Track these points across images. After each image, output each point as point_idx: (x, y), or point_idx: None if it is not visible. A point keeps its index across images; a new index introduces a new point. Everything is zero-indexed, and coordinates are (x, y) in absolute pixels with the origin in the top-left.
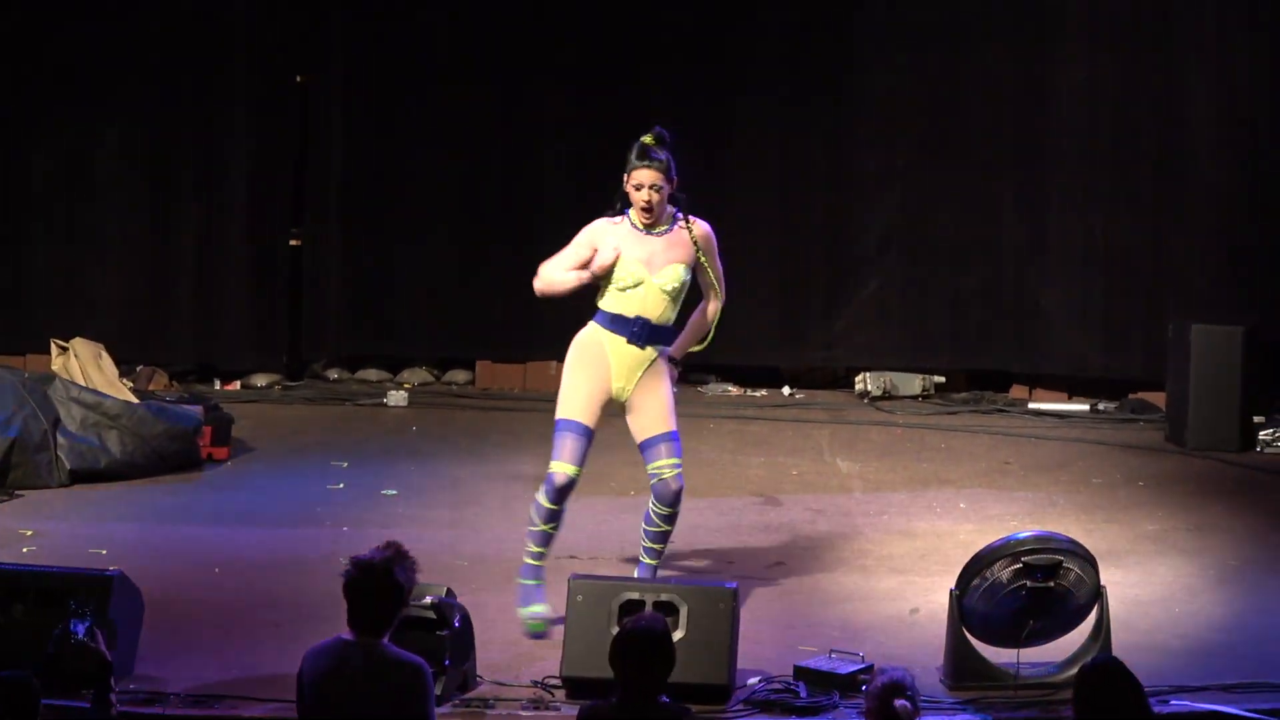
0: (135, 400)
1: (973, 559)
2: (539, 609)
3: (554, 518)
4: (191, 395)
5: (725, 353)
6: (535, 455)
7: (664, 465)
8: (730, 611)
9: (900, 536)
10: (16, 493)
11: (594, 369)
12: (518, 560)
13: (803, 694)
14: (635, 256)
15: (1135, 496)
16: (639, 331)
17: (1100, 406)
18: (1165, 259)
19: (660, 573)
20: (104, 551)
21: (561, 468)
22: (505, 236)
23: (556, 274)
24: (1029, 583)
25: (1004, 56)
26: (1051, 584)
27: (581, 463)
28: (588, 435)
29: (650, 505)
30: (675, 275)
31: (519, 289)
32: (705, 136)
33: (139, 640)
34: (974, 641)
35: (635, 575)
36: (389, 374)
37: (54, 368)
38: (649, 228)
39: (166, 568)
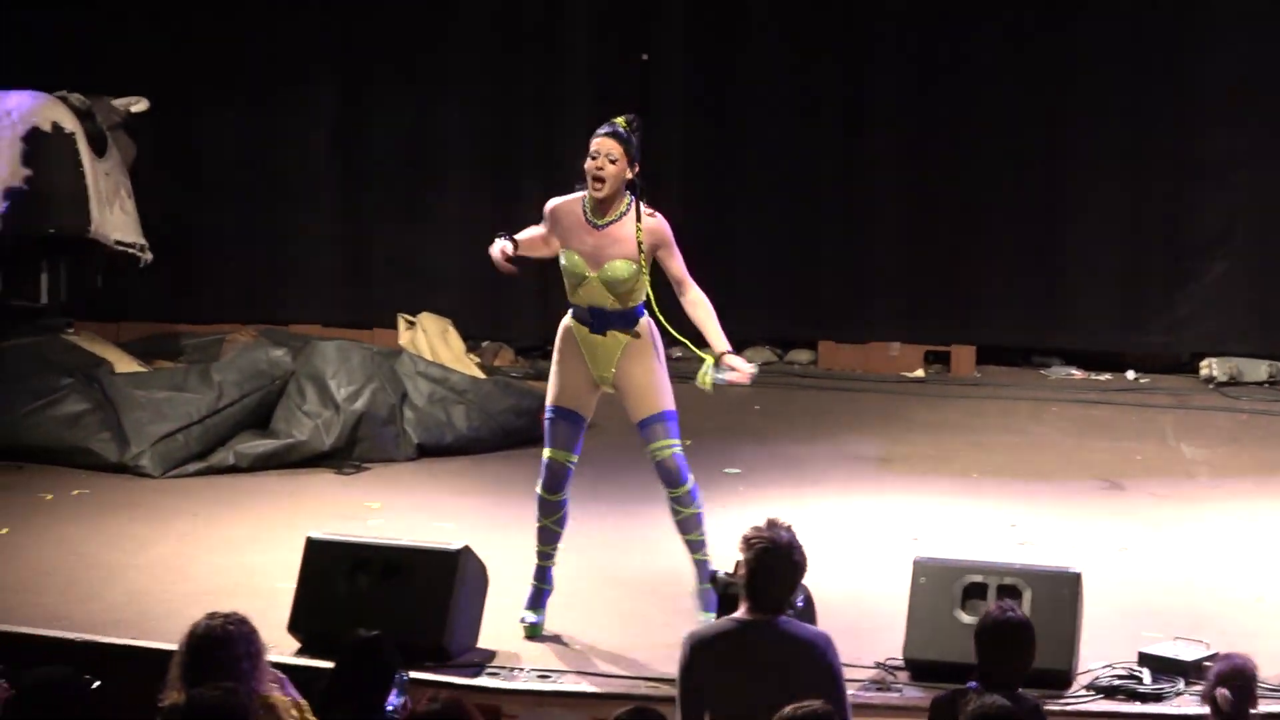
0: (481, 375)
1: None
2: (534, 614)
3: (553, 510)
4: (536, 371)
5: (1069, 336)
6: (878, 436)
7: (660, 447)
8: (1074, 596)
9: (1246, 523)
10: (364, 465)
11: (572, 357)
12: (860, 541)
13: (1146, 680)
14: (578, 250)
15: None
16: (595, 321)
17: None
18: None
19: (1003, 556)
20: (449, 525)
21: (552, 454)
22: (841, 216)
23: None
24: None
25: None
26: None
27: (573, 449)
28: (577, 421)
29: (667, 496)
30: (617, 271)
31: (857, 270)
32: (1045, 121)
33: (483, 614)
34: None
35: (694, 588)
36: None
37: (402, 342)
38: (598, 217)
39: (511, 542)
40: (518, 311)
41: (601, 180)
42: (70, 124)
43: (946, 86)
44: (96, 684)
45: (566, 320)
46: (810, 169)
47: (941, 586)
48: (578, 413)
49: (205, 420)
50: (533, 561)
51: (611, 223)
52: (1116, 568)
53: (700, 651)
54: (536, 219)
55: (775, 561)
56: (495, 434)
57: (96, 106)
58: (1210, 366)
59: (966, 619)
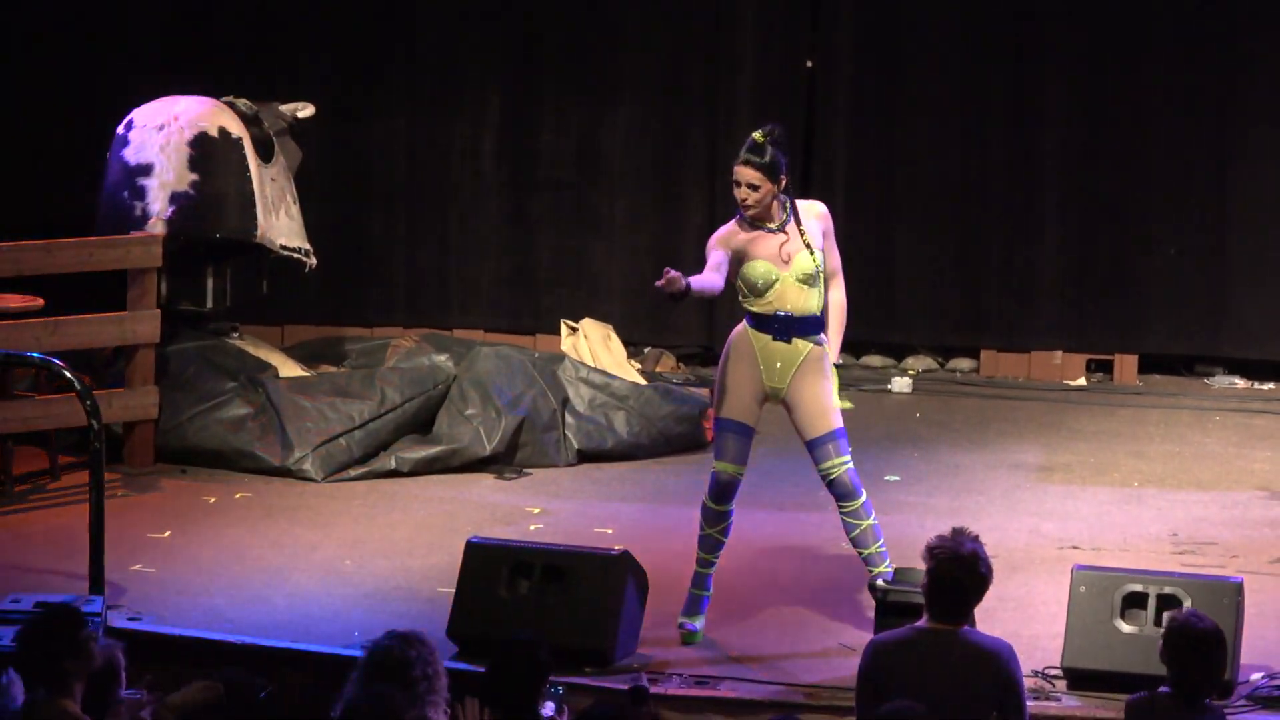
0: (642, 382)
1: None
2: (695, 621)
3: (719, 520)
4: (697, 378)
5: (1232, 345)
6: (1039, 445)
7: (833, 465)
8: (1235, 606)
9: None
10: (525, 470)
11: (745, 368)
12: (1020, 549)
13: None
14: (765, 255)
15: None
16: (781, 327)
17: None
18: None
19: (1163, 565)
20: (609, 531)
21: (723, 467)
22: (1003, 224)
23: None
24: None
25: None
26: None
27: (744, 461)
28: (748, 434)
29: (839, 511)
30: (806, 262)
31: (1020, 277)
32: (1211, 126)
33: (643, 620)
34: None
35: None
36: (893, 360)
37: (563, 348)
38: (762, 223)
39: (671, 548)
40: (680, 318)
41: (748, 207)
42: (237, 129)
43: (1111, 92)
44: (267, 691)
45: (741, 330)
46: (972, 175)
47: (1101, 595)
48: (748, 424)
49: (367, 425)
50: (692, 567)
51: (785, 222)
52: (1277, 577)
53: (881, 659)
54: (699, 225)
55: (960, 572)
56: (656, 440)
57: (263, 112)
58: None
59: (1126, 628)
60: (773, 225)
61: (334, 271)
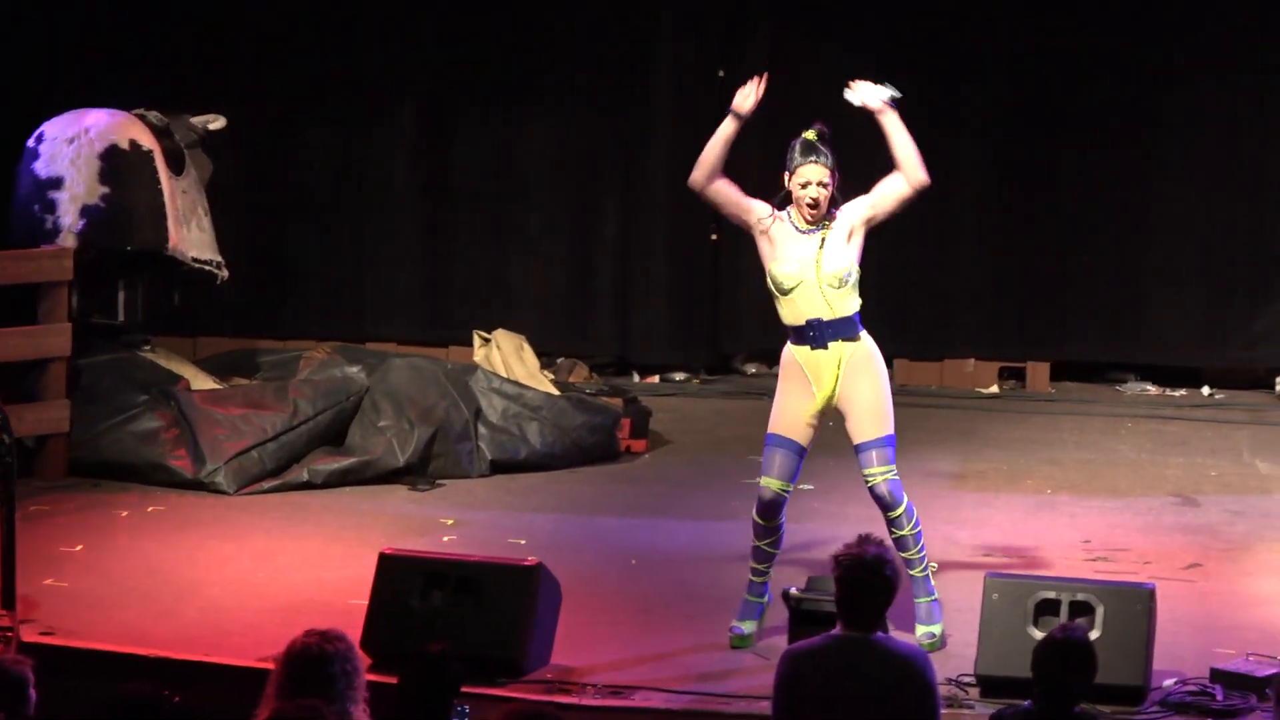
0: (556, 392)
1: None
2: (745, 626)
3: (768, 534)
4: (611, 388)
5: (1146, 352)
6: (952, 453)
7: (873, 473)
8: (1147, 612)
9: None
10: (438, 482)
11: (795, 384)
12: (934, 557)
13: (1219, 697)
14: (793, 256)
15: None
16: (815, 335)
17: None
18: None
19: (1076, 572)
20: (523, 541)
21: (767, 482)
22: (919, 232)
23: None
24: None
25: None
26: None
27: (789, 478)
28: (796, 451)
29: (884, 516)
30: (838, 268)
31: (933, 286)
32: (1127, 136)
33: (556, 630)
34: None
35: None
36: None
37: (476, 359)
38: (802, 223)
39: (584, 558)
40: (592, 329)
41: (817, 207)
42: (148, 142)
43: (1027, 101)
44: (176, 699)
45: (787, 348)
46: None
47: (1014, 603)
48: (797, 442)
49: (280, 437)
50: (608, 579)
51: (822, 226)
52: (1190, 583)
53: (797, 667)
54: (613, 236)
55: (867, 578)
56: (569, 450)
57: (174, 124)
58: None
59: (1039, 635)
60: (812, 227)
61: (246, 283)
